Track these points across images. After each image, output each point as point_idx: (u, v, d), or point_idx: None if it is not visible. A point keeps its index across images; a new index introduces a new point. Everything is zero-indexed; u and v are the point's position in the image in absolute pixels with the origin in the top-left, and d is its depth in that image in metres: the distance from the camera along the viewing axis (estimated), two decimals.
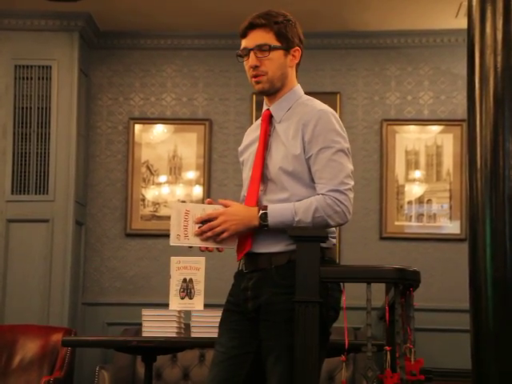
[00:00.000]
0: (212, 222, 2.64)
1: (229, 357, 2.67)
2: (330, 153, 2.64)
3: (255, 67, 2.71)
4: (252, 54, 2.71)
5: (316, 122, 2.66)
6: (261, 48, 2.70)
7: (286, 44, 2.72)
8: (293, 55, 2.75)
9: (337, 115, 2.73)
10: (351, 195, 2.65)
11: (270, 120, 2.77)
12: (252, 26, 2.72)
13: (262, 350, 2.64)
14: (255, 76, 2.72)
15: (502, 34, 2.69)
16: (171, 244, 2.67)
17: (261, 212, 2.61)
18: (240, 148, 2.90)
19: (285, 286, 2.59)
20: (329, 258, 2.68)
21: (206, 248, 2.71)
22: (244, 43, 2.74)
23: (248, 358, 2.67)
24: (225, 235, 2.65)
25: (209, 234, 2.65)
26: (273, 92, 2.76)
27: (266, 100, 2.81)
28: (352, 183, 2.66)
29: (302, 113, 2.70)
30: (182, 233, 2.65)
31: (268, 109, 2.79)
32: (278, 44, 2.71)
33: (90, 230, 5.90)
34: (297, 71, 2.81)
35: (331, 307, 2.62)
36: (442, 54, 5.89)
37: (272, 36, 2.70)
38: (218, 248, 2.71)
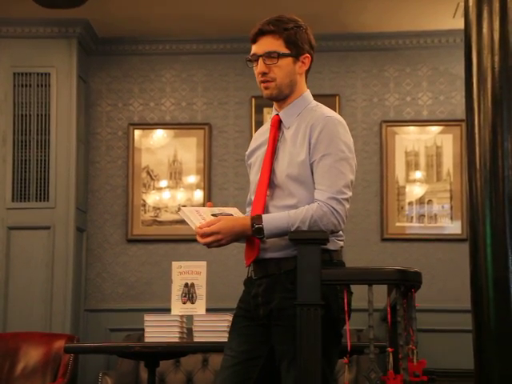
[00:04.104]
0: (206, 240, 2.65)
1: (239, 361, 2.68)
2: (332, 160, 2.64)
3: (264, 74, 2.72)
4: (261, 60, 2.72)
5: (322, 128, 2.66)
6: (269, 55, 2.71)
7: (296, 51, 2.73)
8: (302, 62, 2.75)
9: (345, 124, 2.73)
10: (347, 206, 2.66)
11: (279, 125, 2.78)
12: (261, 33, 2.72)
13: (276, 355, 2.65)
14: (263, 82, 2.73)
15: (498, 34, 2.69)
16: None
17: (256, 226, 2.61)
18: (247, 151, 2.91)
19: (295, 290, 2.58)
20: (337, 261, 2.70)
21: None
22: (253, 49, 2.75)
23: (258, 362, 2.68)
24: (216, 246, 2.69)
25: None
26: (281, 98, 2.77)
27: (275, 105, 2.82)
28: (350, 194, 2.67)
29: (309, 118, 2.71)
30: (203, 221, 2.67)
31: (277, 114, 2.79)
32: (286, 51, 2.71)
33: (91, 236, 5.90)
34: (307, 77, 2.82)
35: (341, 309, 2.63)
36: (440, 54, 5.90)
37: (281, 43, 2.71)
38: None
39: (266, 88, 2.74)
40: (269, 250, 2.67)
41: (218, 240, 2.64)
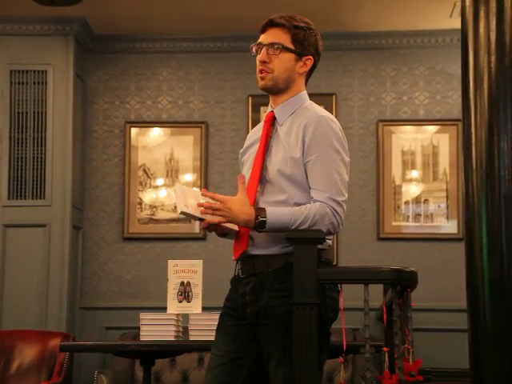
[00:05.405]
0: (214, 204, 2.64)
1: (227, 361, 2.67)
2: (329, 160, 2.65)
3: (263, 63, 2.74)
4: (264, 49, 2.74)
5: (315, 128, 2.67)
6: (273, 46, 2.73)
7: (300, 50, 2.75)
8: (304, 63, 2.76)
9: (338, 123, 2.74)
10: (345, 207, 2.67)
11: (272, 122, 2.78)
12: (272, 24, 2.76)
13: (264, 355, 2.64)
14: (261, 72, 2.75)
15: (495, 34, 2.69)
16: (180, 211, 2.63)
17: (260, 219, 2.60)
18: (241, 150, 2.91)
19: (283, 289, 2.59)
20: (325, 259, 2.68)
21: (208, 226, 2.67)
22: (260, 38, 2.78)
23: (246, 361, 2.67)
24: (218, 220, 2.64)
25: (208, 211, 2.64)
26: (275, 92, 2.77)
27: (271, 102, 2.82)
28: (347, 196, 2.68)
29: (302, 117, 2.72)
30: (189, 204, 2.65)
31: (272, 111, 2.80)
32: (291, 47, 2.73)
33: (88, 234, 5.89)
34: (307, 80, 2.82)
35: (330, 308, 2.63)
36: (437, 54, 5.90)
37: (288, 38, 2.74)
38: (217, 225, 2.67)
39: (262, 78, 2.75)
40: (257, 246, 2.67)
41: (223, 210, 2.61)
